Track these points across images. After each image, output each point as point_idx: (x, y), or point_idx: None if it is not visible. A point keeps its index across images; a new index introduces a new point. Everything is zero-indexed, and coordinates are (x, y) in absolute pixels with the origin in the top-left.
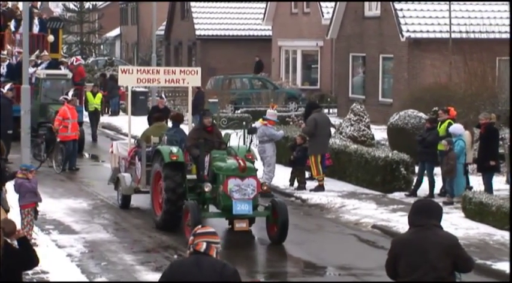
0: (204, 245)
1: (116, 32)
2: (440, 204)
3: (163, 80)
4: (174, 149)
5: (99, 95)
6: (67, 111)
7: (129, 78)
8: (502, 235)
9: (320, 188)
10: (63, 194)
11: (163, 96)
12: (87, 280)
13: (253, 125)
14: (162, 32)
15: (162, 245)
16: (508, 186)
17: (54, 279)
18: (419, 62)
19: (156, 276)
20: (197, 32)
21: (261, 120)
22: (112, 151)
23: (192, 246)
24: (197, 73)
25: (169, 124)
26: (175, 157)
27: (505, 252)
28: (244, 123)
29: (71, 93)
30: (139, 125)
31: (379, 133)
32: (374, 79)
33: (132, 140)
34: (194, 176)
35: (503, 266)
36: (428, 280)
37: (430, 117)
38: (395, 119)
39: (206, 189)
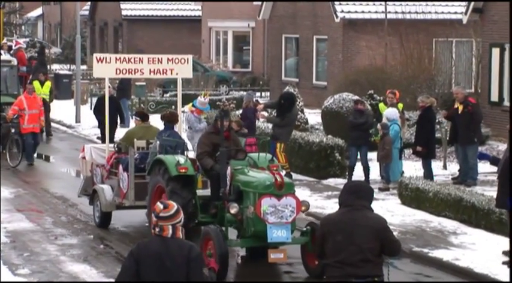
0: (170, 230)
1: (38, 12)
2: (376, 190)
3: (147, 70)
4: (182, 159)
5: (48, 84)
6: (23, 100)
7: (106, 69)
8: (439, 222)
9: (289, 175)
10: None
11: (109, 84)
12: (9, 271)
13: (182, 109)
14: (87, 12)
15: (87, 234)
16: (445, 171)
17: None
18: (354, 44)
19: (82, 267)
20: (123, 12)
21: (190, 105)
22: (84, 157)
23: (157, 229)
24: (188, 62)
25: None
26: (184, 170)
27: (441, 239)
28: (173, 107)
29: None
30: (63, 109)
31: (313, 117)
32: (308, 61)
33: (111, 145)
34: (202, 191)
35: (440, 254)
36: (354, 262)
37: (357, 99)
38: (330, 102)
39: (232, 211)
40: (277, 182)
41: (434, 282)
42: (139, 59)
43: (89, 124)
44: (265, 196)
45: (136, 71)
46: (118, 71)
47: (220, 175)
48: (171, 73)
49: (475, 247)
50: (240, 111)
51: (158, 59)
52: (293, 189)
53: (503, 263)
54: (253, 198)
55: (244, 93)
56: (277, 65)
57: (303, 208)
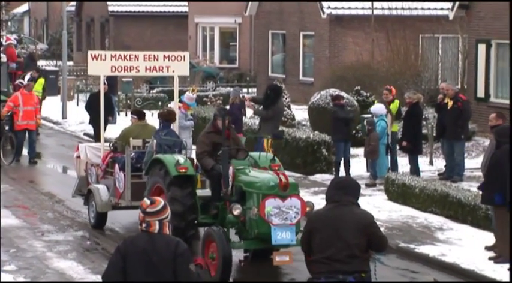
0: (157, 225)
1: (24, 7)
2: (363, 186)
3: (143, 68)
4: (181, 159)
5: (41, 81)
6: (19, 97)
7: (101, 66)
8: (426, 217)
9: None
10: None
11: (105, 81)
12: None
13: (169, 105)
14: (73, 8)
15: (73, 231)
16: (431, 167)
17: None
18: (341, 40)
19: (68, 263)
20: (110, 8)
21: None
22: (78, 157)
23: (144, 225)
24: (184, 59)
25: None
26: (184, 170)
27: (428, 235)
28: (160, 103)
29: (27, 77)
30: (50, 105)
31: (300, 113)
32: (294, 57)
33: (106, 143)
34: (202, 191)
35: (426, 249)
36: (341, 258)
37: (337, 94)
38: (317, 98)
39: (235, 212)
40: (282, 183)
41: (421, 281)
42: (135, 56)
43: (75, 120)
44: (269, 197)
45: (132, 68)
46: (113, 68)
47: (222, 175)
48: (168, 70)
49: (461, 243)
50: (227, 107)
51: (154, 56)
52: (297, 190)
53: (490, 259)
54: (256, 199)
55: (231, 89)
56: (264, 61)
57: (308, 209)
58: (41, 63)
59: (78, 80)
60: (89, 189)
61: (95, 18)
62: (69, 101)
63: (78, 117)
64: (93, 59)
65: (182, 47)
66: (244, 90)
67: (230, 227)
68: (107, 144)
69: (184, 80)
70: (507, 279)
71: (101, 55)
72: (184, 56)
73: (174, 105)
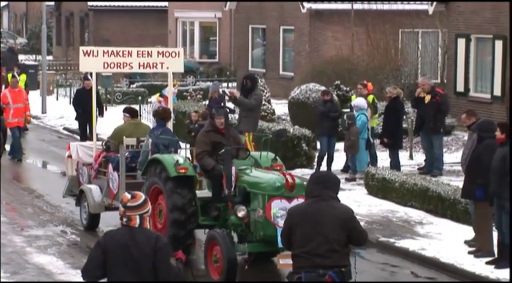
0: (138, 220)
1: (3, 2)
2: (343, 180)
3: (136, 64)
4: (180, 159)
5: (23, 77)
6: (8, 94)
7: (93, 62)
8: (405, 212)
9: None
10: None
11: (89, 77)
12: None
13: (149, 100)
14: (53, 3)
15: (53, 226)
16: (411, 162)
17: None
18: (321, 34)
19: (48, 258)
20: (89, 2)
21: (157, 95)
22: (70, 156)
23: (125, 219)
24: (179, 55)
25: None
26: (183, 170)
27: (407, 229)
28: (139, 98)
29: (15, 73)
30: (29, 100)
31: (280, 107)
32: (274, 52)
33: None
34: (200, 192)
35: (406, 243)
36: (321, 252)
37: (325, 90)
38: (297, 93)
39: (240, 214)
40: (289, 183)
41: (408, 282)
42: (128, 52)
43: (55, 115)
44: (275, 198)
45: (125, 64)
46: (106, 65)
47: (224, 176)
48: (162, 67)
49: (441, 237)
50: (207, 102)
51: (148, 52)
52: (304, 191)
53: (469, 253)
54: (262, 200)
55: (211, 83)
56: (244, 55)
57: None
58: (21, 57)
59: (58, 74)
60: (81, 189)
61: (75, 12)
62: (48, 96)
63: (58, 112)
64: (85, 55)
65: (162, 41)
66: (224, 84)
67: (233, 229)
68: (99, 143)
69: (165, 75)
70: (486, 272)
71: (93, 51)
72: (178, 52)
73: (170, 102)
